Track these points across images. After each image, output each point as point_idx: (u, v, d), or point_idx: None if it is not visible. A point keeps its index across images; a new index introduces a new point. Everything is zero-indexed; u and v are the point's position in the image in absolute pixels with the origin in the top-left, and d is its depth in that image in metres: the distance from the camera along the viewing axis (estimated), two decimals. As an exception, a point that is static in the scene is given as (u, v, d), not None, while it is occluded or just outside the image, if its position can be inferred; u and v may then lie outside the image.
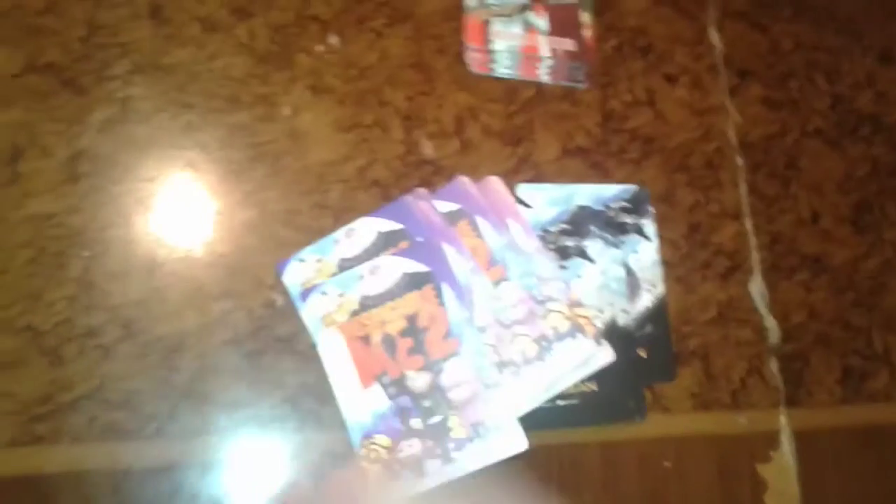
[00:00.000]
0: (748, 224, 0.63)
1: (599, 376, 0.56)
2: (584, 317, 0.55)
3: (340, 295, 0.54)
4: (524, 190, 0.60)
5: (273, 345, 0.53)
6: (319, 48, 0.60)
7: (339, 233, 0.55)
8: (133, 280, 0.53)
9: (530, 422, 0.52)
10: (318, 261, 0.54)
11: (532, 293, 0.54)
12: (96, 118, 0.55)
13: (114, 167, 0.55)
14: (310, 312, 0.53)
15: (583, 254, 0.58)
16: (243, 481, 0.51)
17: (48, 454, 0.49)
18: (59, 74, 0.56)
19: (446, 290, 0.54)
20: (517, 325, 0.54)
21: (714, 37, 0.67)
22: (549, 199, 0.59)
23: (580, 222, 0.59)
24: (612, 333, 0.57)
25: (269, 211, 0.56)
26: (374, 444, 0.51)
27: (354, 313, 0.53)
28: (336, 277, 0.54)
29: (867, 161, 0.66)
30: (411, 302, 0.53)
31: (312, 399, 0.53)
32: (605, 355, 0.54)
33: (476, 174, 0.60)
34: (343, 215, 0.57)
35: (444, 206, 0.56)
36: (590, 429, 0.56)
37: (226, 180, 0.56)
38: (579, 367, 0.54)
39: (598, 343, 0.54)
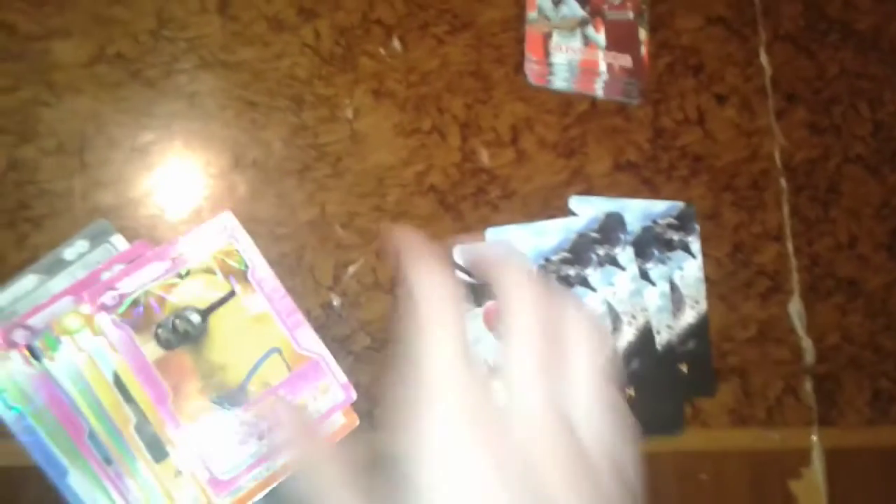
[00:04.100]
0: (789, 246, 0.64)
1: (640, 390, 0.58)
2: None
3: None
4: (576, 202, 0.61)
5: (329, 345, 0.54)
6: (382, 52, 0.61)
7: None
8: (199, 275, 0.54)
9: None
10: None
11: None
12: (163, 111, 0.56)
13: (181, 162, 0.55)
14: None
15: (585, 282, 0.59)
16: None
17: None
18: (127, 66, 0.56)
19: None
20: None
21: (764, 59, 0.68)
22: (552, 228, 0.60)
23: (581, 250, 0.59)
24: (652, 347, 0.58)
25: (330, 212, 0.57)
26: None
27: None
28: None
29: (904, 189, 0.68)
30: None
31: (365, 399, 0.54)
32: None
33: (529, 185, 0.61)
34: (400, 219, 0.58)
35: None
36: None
37: (289, 180, 0.57)
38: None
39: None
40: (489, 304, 0.57)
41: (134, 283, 0.51)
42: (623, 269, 0.59)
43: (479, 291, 0.57)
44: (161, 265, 0.52)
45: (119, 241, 0.53)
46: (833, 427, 0.62)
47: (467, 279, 0.56)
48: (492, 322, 0.56)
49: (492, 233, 0.59)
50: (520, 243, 0.59)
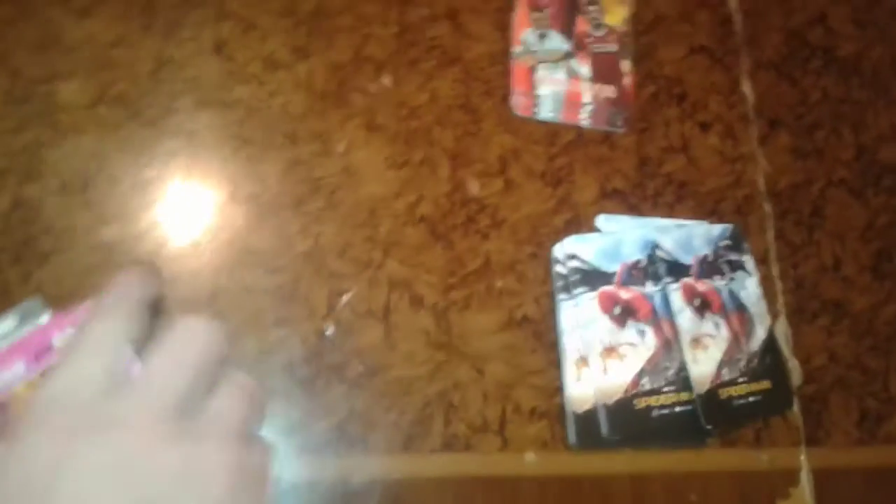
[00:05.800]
0: (774, 269, 0.66)
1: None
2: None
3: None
4: (604, 220, 0.63)
5: (324, 372, 0.56)
6: (373, 88, 0.63)
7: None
8: (198, 306, 0.55)
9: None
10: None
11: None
12: (163, 149, 0.58)
13: (181, 197, 0.58)
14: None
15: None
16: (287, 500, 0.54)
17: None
18: (128, 106, 0.59)
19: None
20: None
21: (747, 87, 0.70)
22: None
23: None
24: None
25: (324, 243, 0.59)
26: None
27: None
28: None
29: (888, 211, 0.69)
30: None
31: (359, 425, 0.56)
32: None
33: (518, 213, 0.63)
34: (392, 248, 0.60)
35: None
36: (618, 460, 0.59)
37: (284, 213, 0.59)
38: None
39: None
40: (603, 288, 0.59)
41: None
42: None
43: (592, 277, 0.60)
44: (27, 363, 0.47)
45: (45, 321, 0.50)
46: (821, 447, 0.63)
47: (580, 266, 0.59)
48: (605, 305, 0.59)
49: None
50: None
